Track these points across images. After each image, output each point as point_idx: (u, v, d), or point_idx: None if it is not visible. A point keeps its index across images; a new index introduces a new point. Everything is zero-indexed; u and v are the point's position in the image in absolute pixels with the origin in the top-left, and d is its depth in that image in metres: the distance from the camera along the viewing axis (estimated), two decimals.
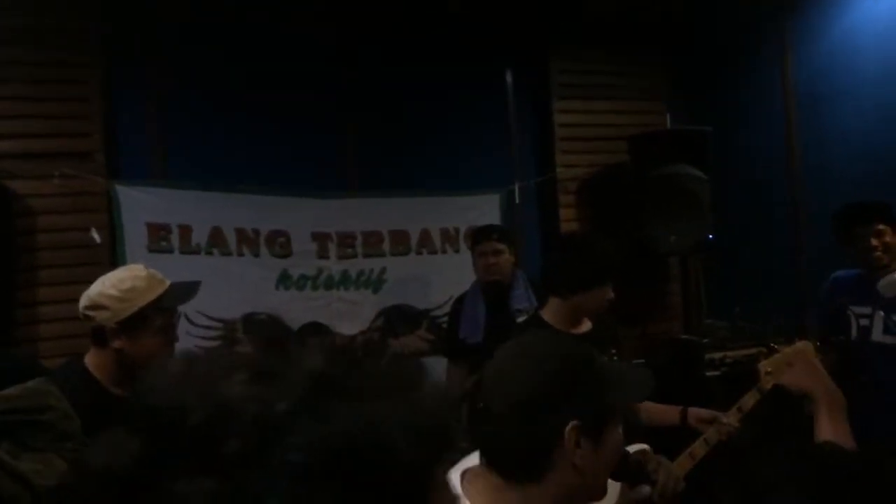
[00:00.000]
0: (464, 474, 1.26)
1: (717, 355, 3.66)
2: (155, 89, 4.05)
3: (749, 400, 2.41)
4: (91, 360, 2.09)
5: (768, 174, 4.68)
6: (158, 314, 2.08)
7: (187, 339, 3.79)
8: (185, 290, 2.19)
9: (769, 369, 2.25)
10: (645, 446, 2.01)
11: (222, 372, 0.50)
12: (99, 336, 2.06)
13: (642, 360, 4.39)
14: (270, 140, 4.23)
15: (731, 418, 2.47)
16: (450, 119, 4.67)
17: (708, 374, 3.66)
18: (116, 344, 2.03)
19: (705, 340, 4.03)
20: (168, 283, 2.14)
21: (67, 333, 3.67)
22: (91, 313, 2.04)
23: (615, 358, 2.78)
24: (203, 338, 3.92)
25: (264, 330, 4.10)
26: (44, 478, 1.74)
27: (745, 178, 4.75)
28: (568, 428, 1.20)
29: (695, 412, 2.65)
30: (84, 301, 2.06)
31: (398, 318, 4.41)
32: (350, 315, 4.30)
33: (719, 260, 4.71)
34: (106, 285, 2.05)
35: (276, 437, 0.47)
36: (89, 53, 3.85)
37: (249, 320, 4.08)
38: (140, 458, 0.48)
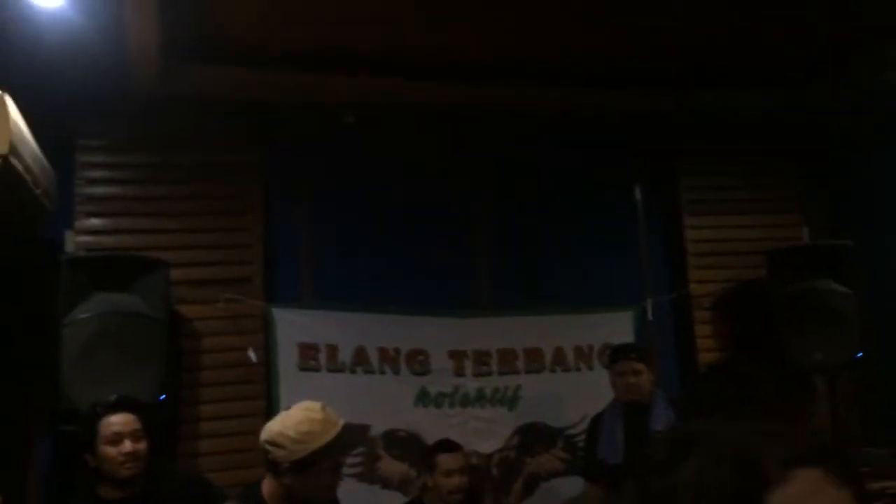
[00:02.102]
0: None
1: (877, 486, 3.43)
2: (307, 219, 4.39)
3: None
4: (266, 488, 2.26)
5: None
6: (329, 456, 2.22)
7: None
8: (356, 434, 2.32)
9: None
10: None
11: None
12: (273, 469, 2.22)
13: None
14: (410, 263, 4.46)
15: None
16: (580, 236, 4.78)
17: None
18: (287, 480, 2.19)
19: (864, 469, 3.80)
20: (341, 424, 2.27)
21: (224, 449, 3.92)
22: (269, 448, 2.21)
23: None
24: (348, 454, 4.06)
25: (404, 447, 4.21)
26: None
27: (892, 291, 4.56)
28: None
29: None
30: (264, 435, 2.24)
31: (534, 437, 4.42)
32: (486, 433, 4.35)
33: (871, 379, 4.48)
34: (286, 425, 2.22)
35: None
36: (251, 186, 4.23)
37: (390, 437, 4.20)
38: None
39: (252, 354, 4.03)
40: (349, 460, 4.06)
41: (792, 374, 4.45)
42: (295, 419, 2.22)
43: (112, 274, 3.63)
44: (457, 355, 4.38)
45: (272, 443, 2.20)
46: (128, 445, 2.73)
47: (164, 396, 3.61)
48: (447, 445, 3.66)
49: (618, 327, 4.58)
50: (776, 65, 4.40)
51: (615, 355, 3.88)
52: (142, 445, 2.78)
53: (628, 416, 3.73)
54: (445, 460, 3.56)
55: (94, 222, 3.97)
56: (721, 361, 3.89)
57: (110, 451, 2.73)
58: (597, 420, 3.94)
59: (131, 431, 2.76)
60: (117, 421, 2.77)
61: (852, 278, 4.41)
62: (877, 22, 3.90)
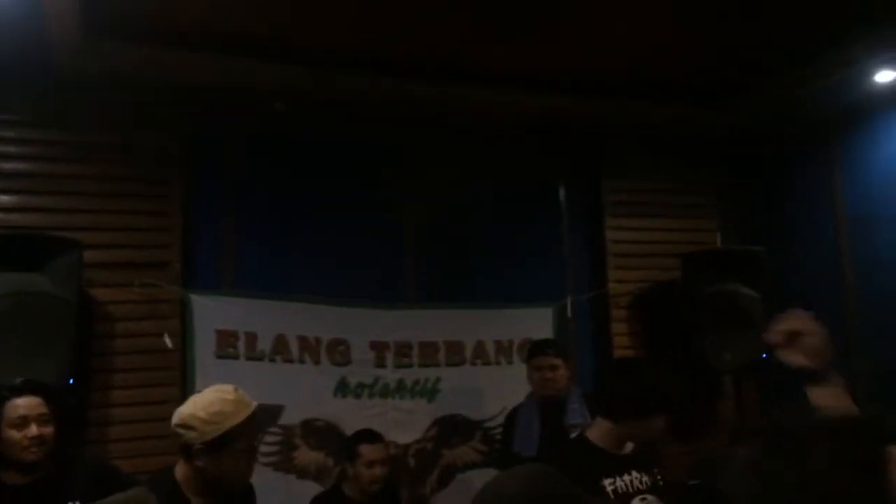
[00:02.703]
0: None
1: None
2: (229, 206, 4.31)
3: None
4: (179, 472, 2.23)
5: (821, 293, 4.71)
6: (242, 437, 2.19)
7: None
8: (269, 415, 2.31)
9: None
10: None
11: None
12: (186, 452, 2.19)
13: (696, 481, 4.34)
14: (333, 253, 4.44)
15: None
16: (504, 234, 4.85)
17: None
18: (200, 462, 2.17)
19: None
20: (254, 406, 2.26)
21: (136, 436, 3.83)
22: (181, 431, 2.18)
23: (659, 478, 2.80)
24: (264, 443, 4.02)
25: (322, 437, 4.19)
26: None
27: (797, 296, 4.78)
28: None
29: None
30: (175, 418, 2.20)
31: (452, 429, 4.46)
32: (405, 424, 4.37)
33: (773, 379, 4.69)
34: (197, 406, 2.20)
35: None
36: (171, 169, 4.13)
37: (308, 426, 4.18)
38: None
39: (168, 340, 3.94)
40: (265, 449, 4.03)
41: (701, 372, 4.62)
42: (206, 400, 2.20)
43: (20, 253, 3.49)
44: (378, 346, 4.38)
45: (183, 425, 2.17)
46: (34, 429, 2.66)
47: (72, 381, 3.50)
48: (370, 436, 3.67)
49: (538, 323, 4.66)
50: (699, 77, 4.56)
51: (533, 350, 3.95)
52: (48, 430, 2.70)
53: (544, 411, 3.82)
54: (368, 451, 3.57)
55: (3, 199, 3.81)
56: (635, 360, 4.01)
57: (15, 434, 2.65)
58: (513, 414, 4.00)
59: (38, 415, 2.69)
60: (23, 404, 2.69)
61: (762, 283, 4.61)
62: (789, 43, 4.10)
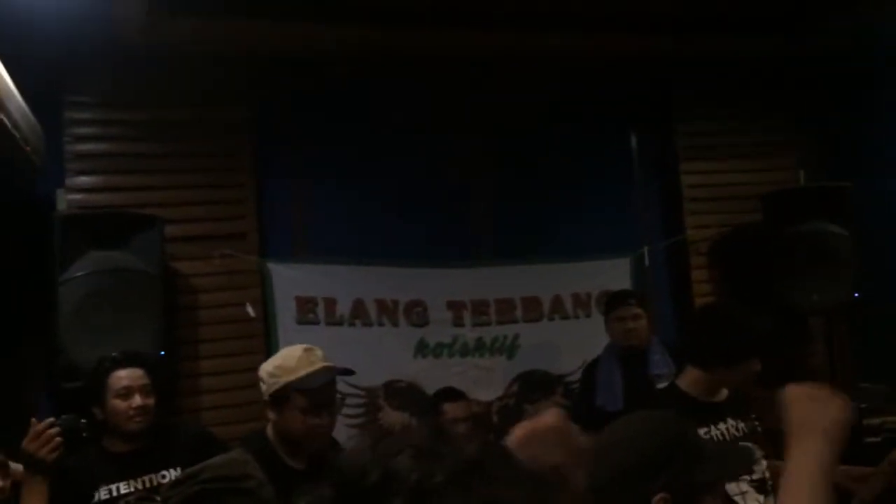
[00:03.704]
0: None
1: (876, 421, 3.48)
2: (301, 172, 4.35)
3: None
4: (269, 430, 2.28)
5: None
6: (301, 393, 2.20)
7: None
8: (336, 373, 2.30)
9: None
10: None
11: (396, 447, 0.63)
12: (265, 405, 2.26)
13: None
14: (406, 214, 4.42)
15: (883, 474, 2.41)
16: (577, 184, 4.74)
17: (867, 440, 3.49)
18: (271, 417, 2.22)
19: (863, 405, 3.84)
20: (320, 364, 2.26)
21: (225, 404, 3.94)
22: (260, 385, 2.25)
23: (756, 425, 2.72)
24: (348, 405, 4.09)
25: (405, 397, 4.24)
26: None
27: (888, 233, 4.56)
28: (656, 498, 1.33)
29: (844, 470, 2.58)
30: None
31: (533, 384, 4.45)
32: (485, 381, 4.38)
33: (869, 319, 4.51)
34: (269, 361, 2.25)
35: (429, 500, 0.59)
36: (242, 140, 4.18)
37: (390, 388, 4.23)
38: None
39: (250, 309, 4.02)
40: (349, 411, 4.10)
41: (788, 316, 4.48)
42: (278, 355, 2.28)
43: (106, 231, 3.60)
44: (455, 306, 4.38)
45: (260, 379, 2.25)
46: (137, 399, 2.73)
47: (163, 353, 3.61)
48: (452, 394, 3.69)
49: (615, 274, 4.58)
50: (771, 8, 4.33)
51: (613, 301, 3.89)
52: (150, 400, 2.77)
53: (626, 363, 3.75)
54: (452, 408, 3.60)
55: (85, 180, 3.92)
56: (723, 305, 3.89)
57: (120, 404, 2.72)
58: (591, 368, 3.94)
59: (140, 386, 2.76)
60: (126, 375, 2.76)
61: (848, 220, 4.41)
62: None
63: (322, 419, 2.24)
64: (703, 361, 2.65)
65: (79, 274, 3.49)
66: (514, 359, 4.44)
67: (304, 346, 2.33)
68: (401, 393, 4.24)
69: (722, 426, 2.64)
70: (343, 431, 4.06)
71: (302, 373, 2.22)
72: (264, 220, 4.22)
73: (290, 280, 4.12)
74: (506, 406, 4.40)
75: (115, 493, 2.66)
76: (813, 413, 1.33)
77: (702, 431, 2.58)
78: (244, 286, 4.07)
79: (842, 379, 4.47)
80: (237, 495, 1.98)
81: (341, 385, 4.07)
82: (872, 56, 4.69)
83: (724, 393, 2.69)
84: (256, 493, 2.00)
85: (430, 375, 4.23)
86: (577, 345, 4.40)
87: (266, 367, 2.27)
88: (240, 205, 4.12)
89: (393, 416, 4.22)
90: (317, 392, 2.23)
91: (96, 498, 2.64)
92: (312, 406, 2.23)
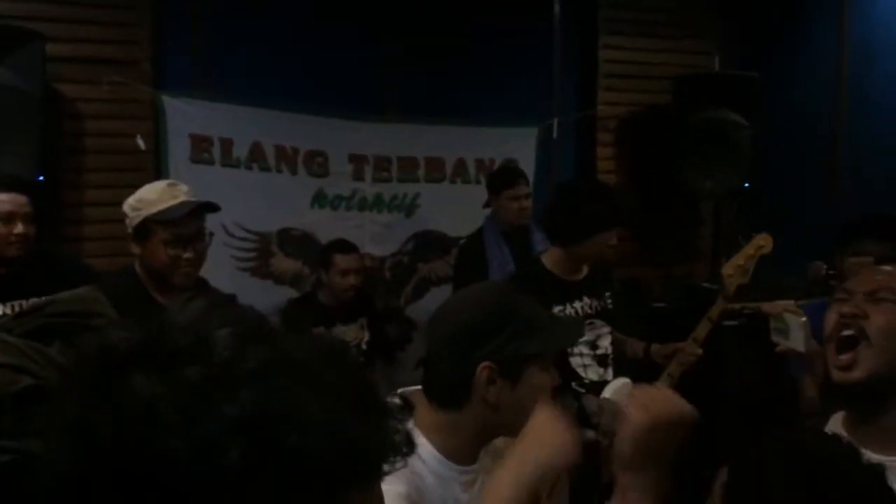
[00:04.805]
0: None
1: (736, 305, 3.65)
2: (201, 3, 4.07)
3: (702, 329, 2.55)
4: (136, 266, 2.24)
5: (812, 126, 4.61)
6: (161, 227, 2.18)
7: (224, 249, 3.93)
8: (191, 206, 2.22)
9: (730, 272, 2.40)
10: (626, 380, 2.13)
11: (222, 321, 0.60)
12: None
13: (662, 304, 4.44)
14: (313, 60, 4.26)
15: (689, 349, 2.61)
16: (493, 49, 4.62)
17: (725, 323, 3.65)
18: (135, 251, 2.19)
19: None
20: (182, 199, 2.22)
21: (110, 235, 3.81)
22: (125, 220, 2.20)
23: (609, 303, 2.84)
24: (239, 248, 4.06)
25: (298, 245, 4.22)
26: None
27: (787, 127, 4.68)
28: (481, 366, 1.34)
29: (657, 348, 2.78)
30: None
31: (428, 244, 4.49)
32: (381, 237, 4.39)
33: (754, 208, 4.69)
34: (133, 194, 2.19)
35: (227, 384, 0.56)
36: None
37: (284, 235, 4.20)
38: (127, 350, 0.58)
39: (141, 142, 3.86)
40: (241, 255, 4.07)
41: (680, 199, 4.61)
42: (140, 190, 2.23)
43: None
44: (357, 159, 4.31)
45: (124, 213, 2.20)
46: (20, 227, 2.60)
47: (42, 178, 3.45)
48: (343, 245, 3.70)
49: (521, 144, 4.57)
50: None
51: (508, 179, 3.78)
52: (32, 228, 2.66)
53: (514, 240, 3.74)
54: (341, 260, 3.61)
55: None
56: (577, 183, 3.95)
57: (1, 229, 2.60)
58: (474, 243, 3.88)
59: (24, 214, 2.63)
60: (9, 199, 2.62)
61: (753, 111, 4.48)
62: None
63: (186, 252, 2.21)
64: (557, 238, 2.74)
65: None
66: (411, 217, 4.45)
67: (169, 181, 2.31)
68: (294, 241, 4.22)
69: (577, 304, 2.76)
70: (233, 274, 4.06)
71: (162, 206, 2.18)
72: (160, 50, 3.98)
73: (185, 116, 3.94)
74: (399, 263, 4.45)
75: None
76: (536, 448, 1.26)
77: (557, 309, 2.69)
78: (135, 116, 3.88)
79: (721, 264, 4.68)
80: (83, 332, 1.95)
81: (234, 228, 4.03)
82: None
83: (585, 270, 2.79)
84: (103, 333, 1.98)
85: (327, 227, 4.21)
86: (475, 209, 4.41)
87: (129, 201, 2.24)
88: (133, 28, 3.86)
89: (285, 264, 4.21)
90: (178, 223, 2.19)
91: None
92: (174, 238, 2.19)
